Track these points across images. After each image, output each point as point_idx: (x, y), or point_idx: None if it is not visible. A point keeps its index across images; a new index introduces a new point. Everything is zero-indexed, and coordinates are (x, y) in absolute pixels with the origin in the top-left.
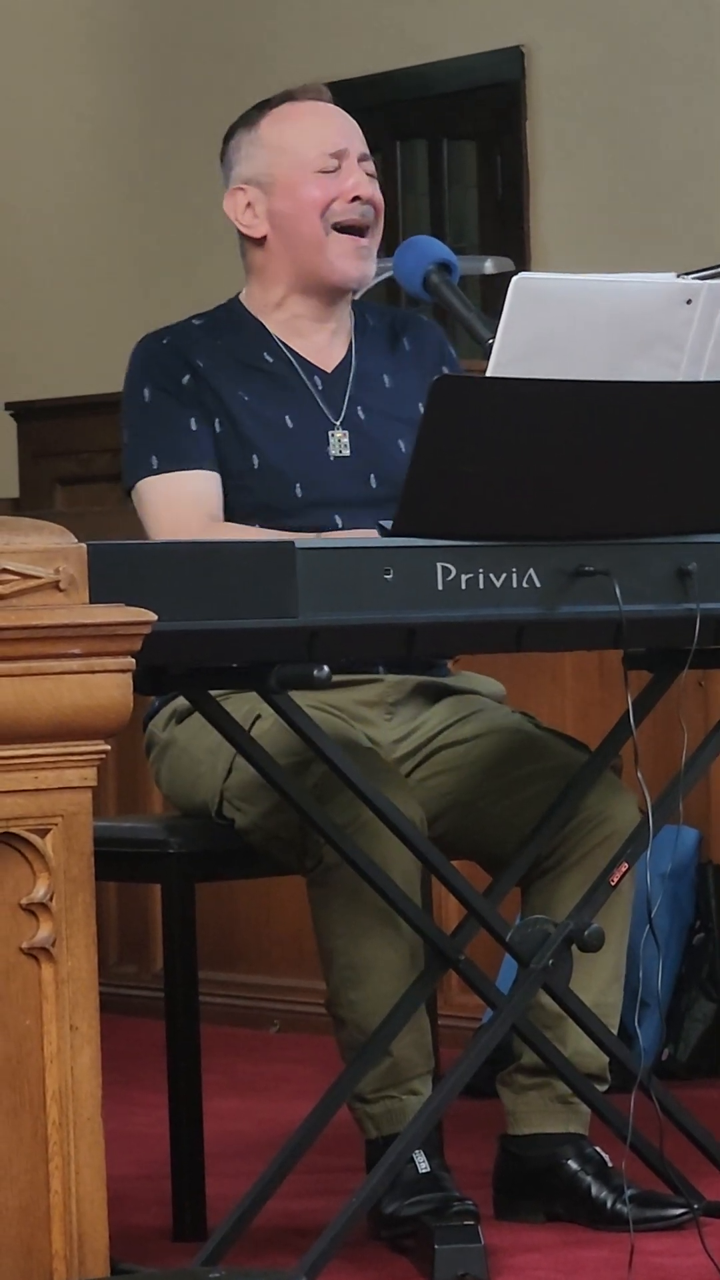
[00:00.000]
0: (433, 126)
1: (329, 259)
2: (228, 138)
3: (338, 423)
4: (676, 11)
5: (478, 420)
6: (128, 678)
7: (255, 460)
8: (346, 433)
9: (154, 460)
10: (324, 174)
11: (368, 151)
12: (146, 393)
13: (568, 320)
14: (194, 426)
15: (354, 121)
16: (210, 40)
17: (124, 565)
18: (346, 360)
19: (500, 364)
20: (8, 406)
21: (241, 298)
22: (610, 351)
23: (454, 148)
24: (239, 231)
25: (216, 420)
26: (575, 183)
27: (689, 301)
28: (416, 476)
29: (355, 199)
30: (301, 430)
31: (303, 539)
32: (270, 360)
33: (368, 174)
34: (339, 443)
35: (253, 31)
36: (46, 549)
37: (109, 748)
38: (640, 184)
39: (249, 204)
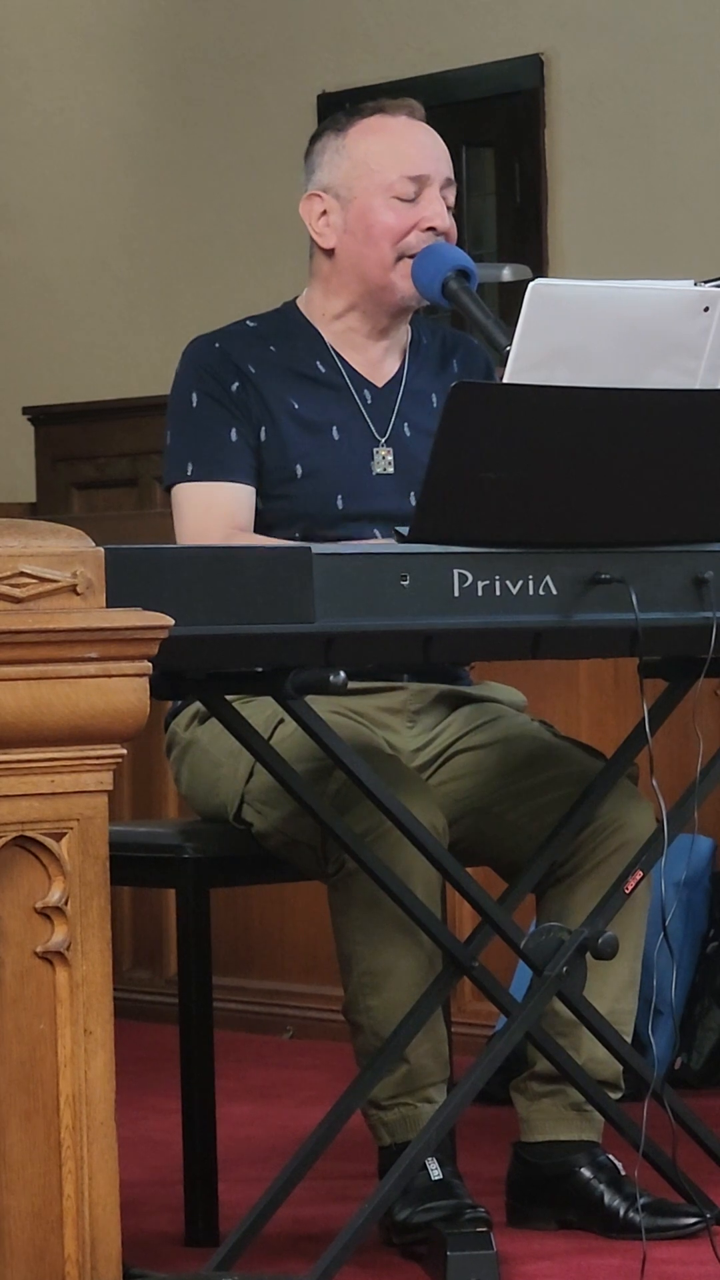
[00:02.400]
0: (452, 133)
1: (394, 282)
2: (315, 137)
3: (383, 439)
4: (695, 20)
5: (495, 427)
6: (144, 682)
7: (299, 469)
8: (391, 450)
9: (190, 467)
10: (402, 201)
11: (452, 176)
12: (194, 397)
13: (585, 327)
14: (234, 438)
15: (442, 143)
16: (232, 48)
17: (141, 569)
18: (398, 377)
19: (517, 371)
20: (26, 411)
21: (299, 303)
22: (627, 359)
23: (473, 155)
24: (310, 236)
25: (262, 428)
26: (593, 190)
27: (706, 309)
28: (433, 483)
29: (430, 229)
30: (347, 443)
31: (318, 545)
32: (323, 370)
33: (446, 204)
34: (383, 459)
35: (274, 39)
36: (64, 553)
37: (125, 752)
38: (658, 192)
39: (324, 212)
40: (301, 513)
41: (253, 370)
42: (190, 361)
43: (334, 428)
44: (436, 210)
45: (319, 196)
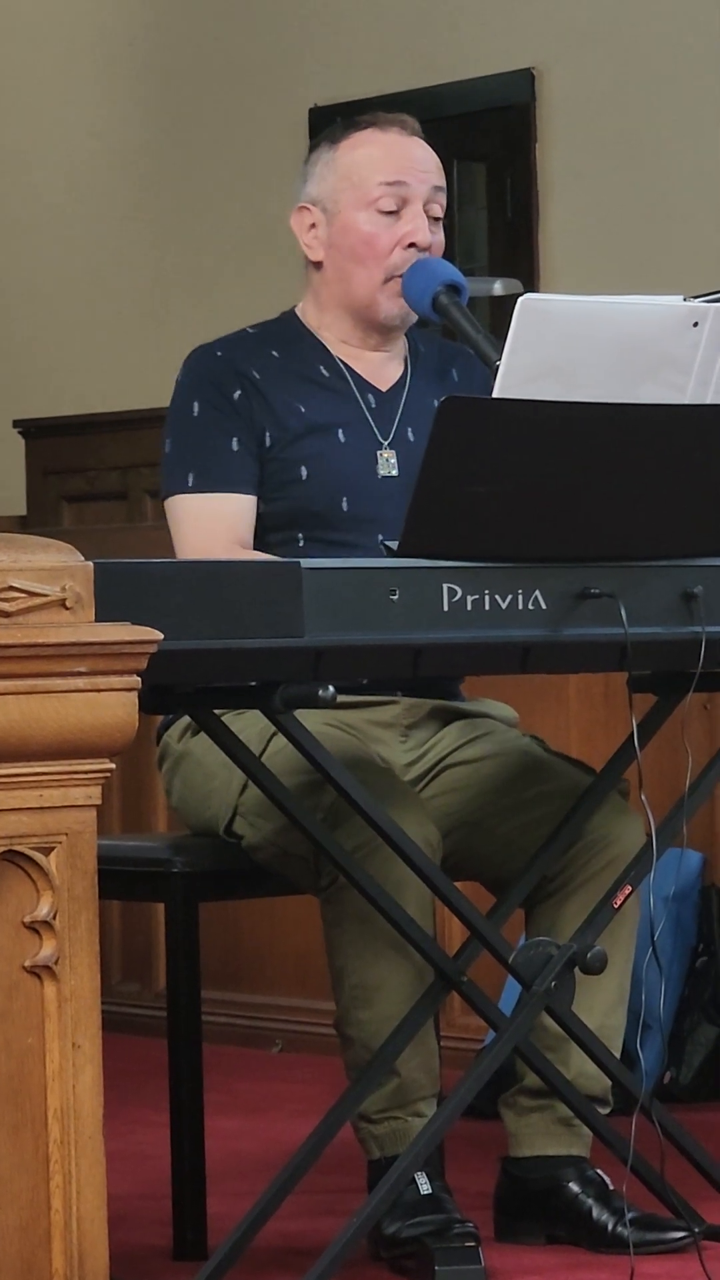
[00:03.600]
0: (443, 147)
1: (379, 301)
2: (313, 148)
3: (386, 442)
4: (686, 35)
5: (484, 441)
6: (133, 696)
7: (304, 471)
8: (394, 453)
9: (190, 478)
10: (385, 214)
11: (442, 184)
12: (196, 407)
13: (574, 342)
14: (235, 447)
15: (435, 158)
16: (223, 60)
17: (130, 584)
18: (401, 382)
19: (507, 385)
20: (16, 424)
21: (298, 311)
22: (617, 374)
23: (464, 169)
24: (301, 247)
25: (266, 432)
26: (584, 205)
27: (696, 324)
28: (423, 497)
29: (412, 245)
30: (352, 446)
31: (307, 559)
32: (327, 374)
33: (433, 216)
34: (387, 462)
35: (266, 52)
36: (53, 567)
37: (114, 766)
38: (649, 206)
39: (313, 225)
40: (306, 514)
41: (257, 375)
42: (191, 370)
43: (339, 430)
44: (418, 225)
45: (308, 209)
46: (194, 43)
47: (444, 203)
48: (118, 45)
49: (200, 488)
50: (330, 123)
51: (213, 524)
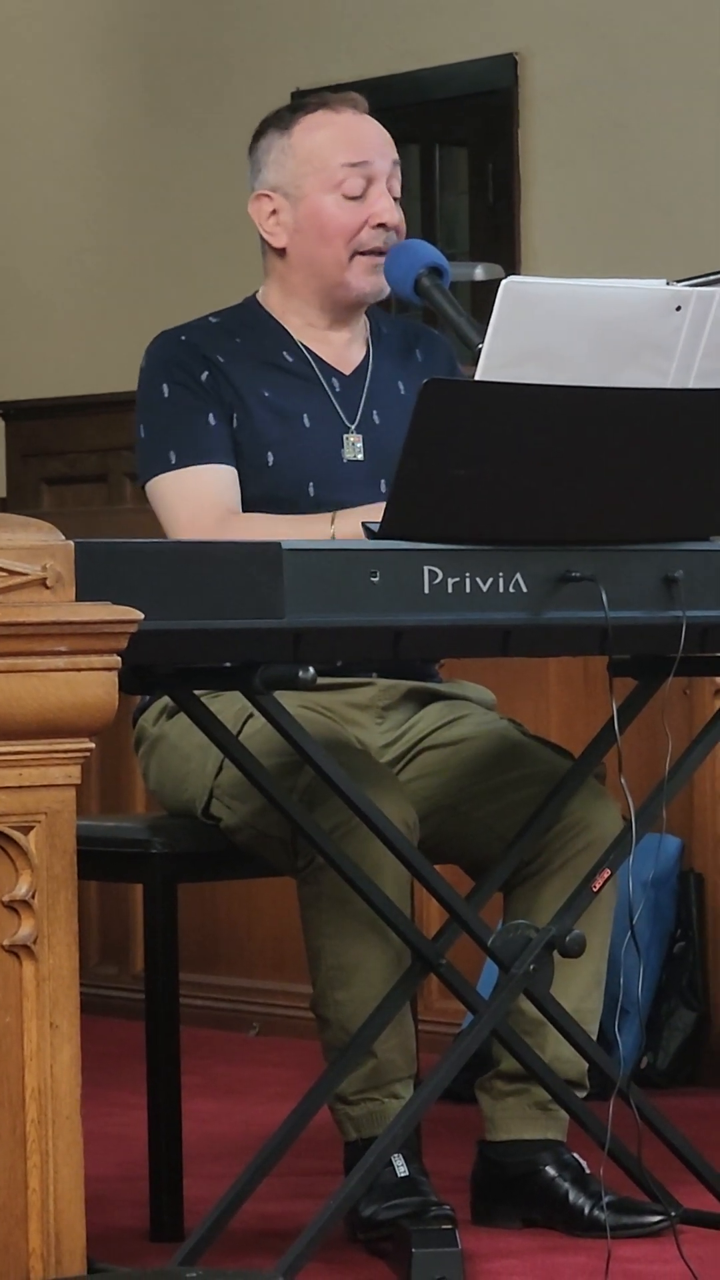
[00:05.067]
0: (425, 132)
1: (347, 279)
2: (259, 134)
3: (353, 426)
4: (668, 21)
5: (466, 424)
6: (113, 676)
7: (270, 457)
8: (361, 436)
9: (172, 456)
10: (350, 199)
11: (397, 158)
12: (165, 388)
13: (557, 325)
14: (212, 421)
15: (386, 134)
16: (205, 44)
17: (111, 564)
18: (364, 365)
19: (489, 368)
20: None
21: (259, 297)
22: (599, 357)
23: (446, 153)
24: (260, 235)
25: (234, 416)
26: (566, 190)
27: (678, 308)
28: (404, 479)
29: (380, 225)
30: (318, 430)
31: (290, 540)
32: (290, 360)
33: (394, 194)
34: (353, 446)
35: (248, 35)
36: (34, 546)
37: (93, 746)
38: (631, 192)
39: (274, 211)
40: (273, 499)
41: (221, 360)
42: (156, 356)
43: (304, 415)
44: (385, 205)
45: (268, 196)
46: (176, 26)
47: (400, 178)
48: (99, 30)
49: (183, 463)
50: None
51: (203, 495)
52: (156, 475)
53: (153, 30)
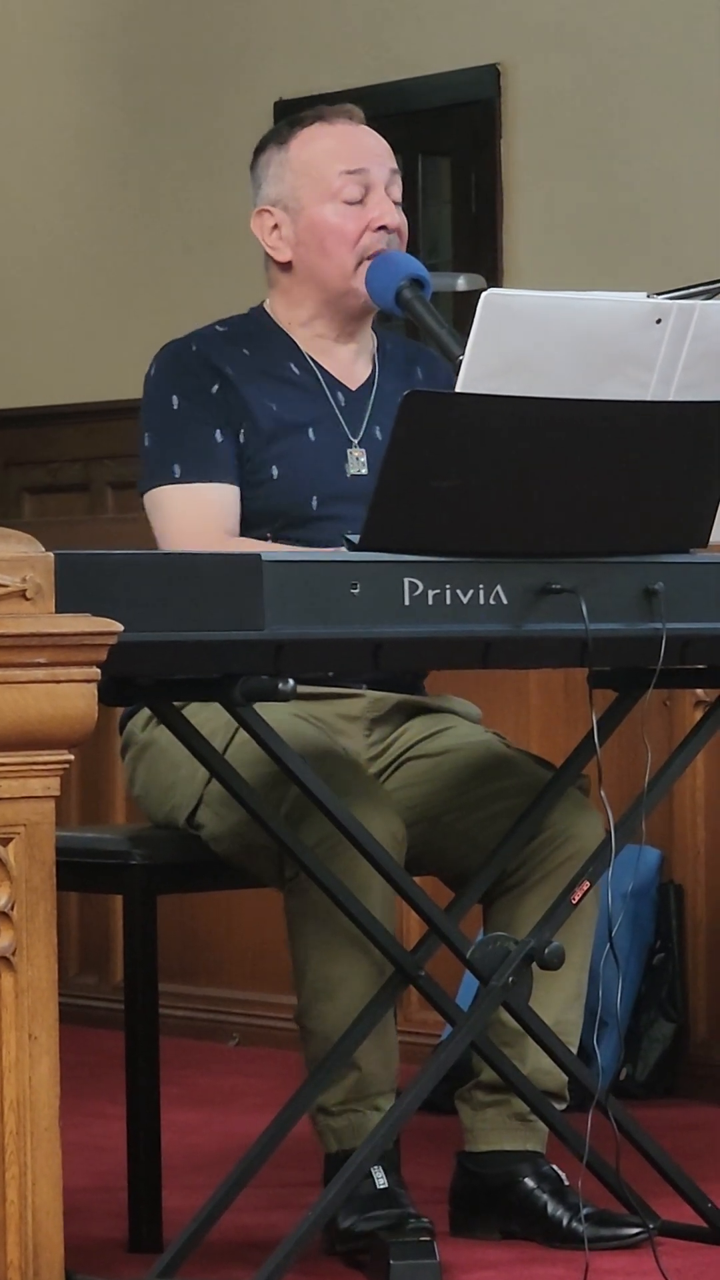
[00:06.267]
0: (408, 142)
1: (354, 286)
2: (258, 150)
3: (356, 440)
4: (651, 33)
5: (447, 436)
6: (93, 688)
7: (275, 470)
8: (364, 451)
9: (177, 469)
10: (350, 205)
11: (396, 168)
12: (175, 399)
13: (538, 337)
14: (219, 438)
15: (384, 143)
16: (189, 53)
17: (91, 575)
18: (370, 380)
19: (470, 380)
20: None
21: (266, 308)
22: (580, 370)
23: (429, 164)
24: (264, 250)
25: (241, 429)
26: (549, 201)
27: (659, 321)
28: (385, 491)
29: (381, 228)
30: (322, 445)
31: (270, 551)
32: (297, 372)
33: (394, 200)
34: (356, 461)
35: (231, 45)
36: (13, 557)
37: (73, 758)
38: (613, 203)
39: (275, 226)
40: (276, 512)
41: (230, 372)
42: (167, 364)
43: (310, 428)
44: (385, 209)
45: (268, 211)
46: (160, 35)
47: (400, 185)
48: (82, 37)
49: (188, 478)
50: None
51: (204, 513)
52: (159, 486)
53: (135, 38)
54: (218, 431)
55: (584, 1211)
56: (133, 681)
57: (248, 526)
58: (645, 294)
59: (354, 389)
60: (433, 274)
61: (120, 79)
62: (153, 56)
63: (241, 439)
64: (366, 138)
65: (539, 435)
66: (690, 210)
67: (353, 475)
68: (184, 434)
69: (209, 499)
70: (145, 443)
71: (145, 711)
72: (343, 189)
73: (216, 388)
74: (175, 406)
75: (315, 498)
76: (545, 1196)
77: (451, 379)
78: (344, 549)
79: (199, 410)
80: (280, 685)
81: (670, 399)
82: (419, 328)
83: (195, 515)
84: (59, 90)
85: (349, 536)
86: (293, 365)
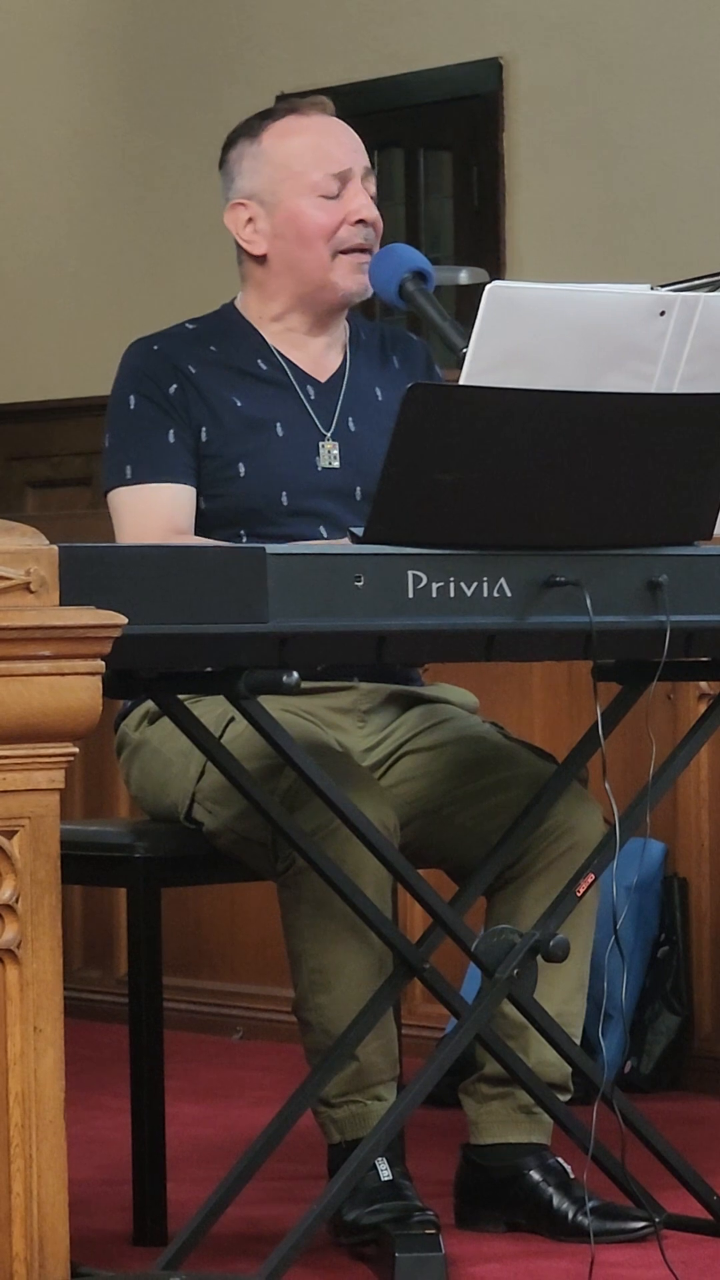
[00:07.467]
0: (410, 136)
1: (332, 280)
2: (229, 145)
3: (328, 434)
4: (653, 26)
5: (450, 429)
6: (97, 680)
7: (242, 467)
8: (336, 444)
9: (128, 470)
10: (327, 198)
11: (369, 164)
12: (132, 400)
13: (541, 330)
14: (172, 439)
15: (356, 135)
16: (191, 49)
17: (95, 568)
18: (340, 372)
19: (473, 373)
20: None
21: (237, 304)
22: (583, 362)
23: (431, 158)
24: (238, 244)
25: (203, 428)
26: (551, 194)
27: (663, 313)
28: (389, 484)
29: (359, 221)
30: (291, 439)
31: (275, 545)
32: (264, 368)
33: (369, 194)
34: (328, 454)
35: (233, 40)
36: (17, 550)
37: (77, 750)
38: (615, 196)
39: (250, 219)
40: (246, 510)
41: (193, 370)
42: (128, 365)
43: (278, 424)
44: (362, 203)
45: (243, 205)
46: (159, 29)
47: (375, 181)
48: (82, 32)
49: (139, 479)
50: None
51: (149, 513)
52: (114, 487)
53: (135, 33)
54: (170, 432)
55: (589, 1204)
56: (136, 674)
57: (221, 525)
58: (649, 286)
59: (324, 381)
60: (436, 267)
61: (120, 74)
62: (153, 51)
63: (204, 437)
64: (341, 130)
65: (543, 428)
66: (693, 202)
67: (324, 468)
68: (137, 435)
69: (159, 499)
70: (105, 443)
71: (138, 711)
72: (320, 183)
73: (175, 388)
74: (132, 407)
75: (285, 493)
76: (550, 1189)
77: (431, 360)
78: (348, 541)
79: (153, 411)
80: (285, 678)
81: (674, 391)
82: (422, 321)
83: (142, 516)
84: (57, 85)
85: (354, 529)
86: (260, 361)
